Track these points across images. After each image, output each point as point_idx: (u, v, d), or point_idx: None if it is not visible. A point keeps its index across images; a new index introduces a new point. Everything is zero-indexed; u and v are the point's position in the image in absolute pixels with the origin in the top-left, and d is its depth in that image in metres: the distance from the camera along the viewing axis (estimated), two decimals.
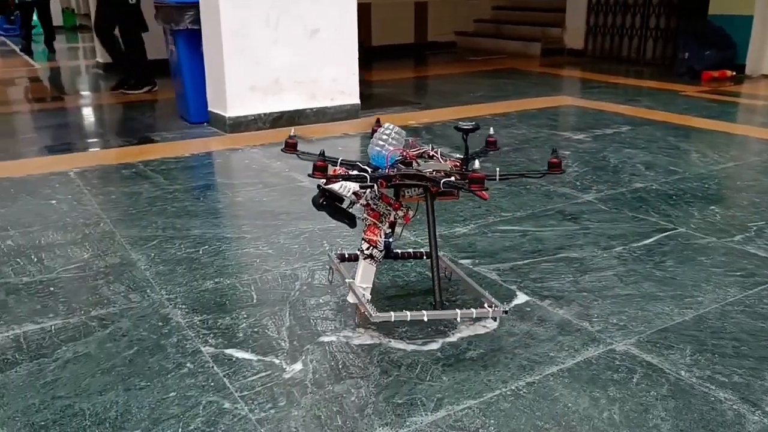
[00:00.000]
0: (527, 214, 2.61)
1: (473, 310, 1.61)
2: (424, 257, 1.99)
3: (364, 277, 1.78)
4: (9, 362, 1.61)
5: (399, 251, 1.97)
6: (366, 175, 1.67)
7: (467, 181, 1.59)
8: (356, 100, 4.51)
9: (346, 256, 1.99)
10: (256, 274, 2.10)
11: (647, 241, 2.31)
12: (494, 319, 1.73)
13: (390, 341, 1.70)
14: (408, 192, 1.76)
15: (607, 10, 7.85)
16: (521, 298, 1.92)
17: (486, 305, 1.63)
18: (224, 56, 4.00)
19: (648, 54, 7.47)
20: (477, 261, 2.17)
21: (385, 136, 1.74)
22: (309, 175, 1.65)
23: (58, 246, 2.34)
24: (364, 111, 4.56)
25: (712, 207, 2.66)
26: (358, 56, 4.47)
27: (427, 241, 1.73)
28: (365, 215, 1.77)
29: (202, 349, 1.66)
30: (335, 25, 4.29)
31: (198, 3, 4.16)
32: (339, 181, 1.75)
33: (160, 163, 3.46)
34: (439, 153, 1.80)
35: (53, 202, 2.83)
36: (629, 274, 2.05)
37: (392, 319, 1.62)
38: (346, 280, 1.79)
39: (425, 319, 1.63)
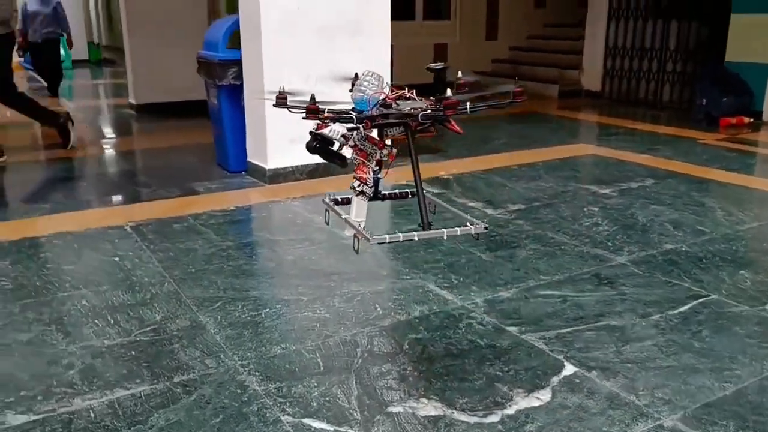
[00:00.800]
0: (565, 278, 2.77)
1: (457, 228, 1.88)
2: (409, 196, 2.24)
3: (358, 211, 2.05)
4: (109, 429, 1.77)
5: (386, 192, 2.21)
6: (352, 116, 1.93)
7: (442, 107, 1.84)
8: None
9: (339, 199, 2.20)
10: (318, 340, 2.26)
11: (682, 309, 2.46)
12: (476, 236, 1.98)
13: (453, 413, 1.84)
14: (390, 131, 2.03)
15: (624, 54, 8.07)
16: (569, 369, 2.06)
17: (468, 224, 1.89)
18: (266, 111, 4.20)
19: (665, 97, 7.67)
20: (523, 329, 2.33)
21: (366, 82, 1.99)
22: (303, 118, 1.91)
23: (130, 307, 2.51)
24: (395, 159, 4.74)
25: (742, 271, 2.80)
26: None
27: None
28: (354, 155, 2.01)
29: (282, 418, 1.82)
30: None
31: (240, 60, 4.38)
32: (328, 125, 2.00)
33: (209, 216, 3.64)
34: (414, 93, 2.08)
35: (116, 258, 3.01)
36: (669, 345, 2.19)
37: (387, 241, 1.90)
38: (342, 216, 2.04)
39: (416, 238, 1.93)
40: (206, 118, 4.99)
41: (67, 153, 5.37)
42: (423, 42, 9.36)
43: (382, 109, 1.97)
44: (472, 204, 3.80)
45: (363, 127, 1.93)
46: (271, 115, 4.21)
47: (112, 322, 2.39)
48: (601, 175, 4.62)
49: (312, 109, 1.93)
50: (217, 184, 4.38)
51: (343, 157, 2.10)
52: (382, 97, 1.98)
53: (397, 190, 2.26)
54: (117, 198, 4.17)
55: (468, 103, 1.91)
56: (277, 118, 4.24)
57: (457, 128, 1.91)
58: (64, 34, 9.01)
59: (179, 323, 2.38)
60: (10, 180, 4.68)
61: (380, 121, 1.95)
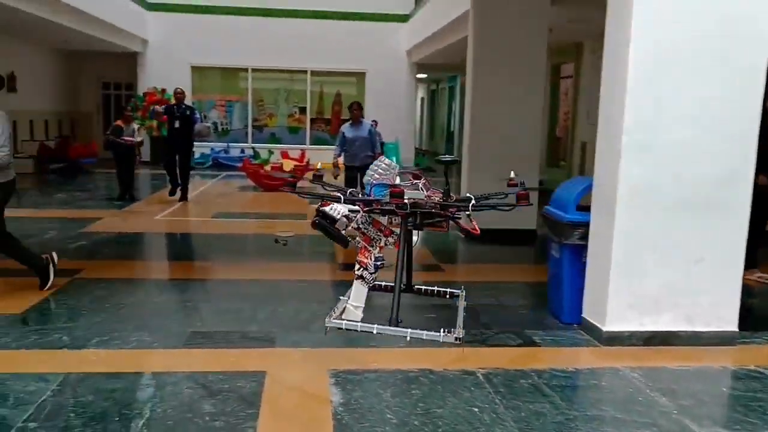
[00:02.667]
0: None
1: (423, 332, 1.73)
2: (447, 296, 2.11)
3: (355, 295, 1.98)
4: None
5: (423, 288, 2.09)
6: (340, 195, 1.89)
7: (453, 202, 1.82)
8: (734, 327, 4.51)
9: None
10: None
11: None
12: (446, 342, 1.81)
13: None
14: (395, 219, 1.96)
15: None
16: None
17: (442, 330, 1.74)
18: (610, 275, 4.40)
19: None
20: None
21: (375, 167, 1.94)
22: (279, 189, 2.04)
23: None
24: (745, 337, 4.53)
25: None
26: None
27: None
28: (358, 238, 1.95)
29: None
30: (720, 254, 4.43)
31: (588, 223, 4.69)
32: (331, 204, 1.98)
33: (551, 376, 3.90)
34: (421, 183, 1.95)
35: (476, 410, 3.42)
36: None
37: (342, 326, 1.81)
38: (341, 298, 2.00)
39: (374, 332, 1.82)
40: (524, 246, 5.27)
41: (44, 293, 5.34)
42: None
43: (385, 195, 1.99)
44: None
45: (361, 209, 1.99)
46: (615, 279, 4.39)
47: None
48: None
49: (288, 182, 2.12)
50: (552, 335, 4.65)
51: (345, 240, 2.13)
52: (389, 183, 2.01)
53: (436, 288, 2.27)
54: (460, 334, 4.67)
55: (471, 202, 1.94)
56: (619, 284, 4.42)
57: (471, 228, 1.84)
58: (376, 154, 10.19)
59: None
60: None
61: (376, 207, 2.00)
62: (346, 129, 8.71)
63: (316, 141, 17.87)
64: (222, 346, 4.25)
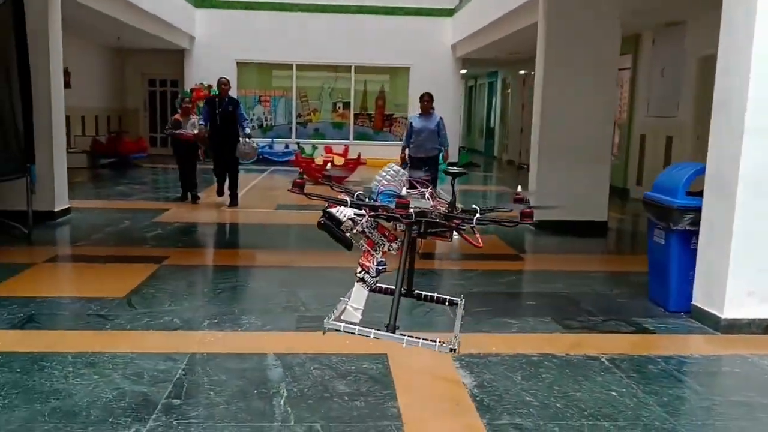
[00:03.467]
0: None
1: (419, 340, 1.72)
2: (446, 304, 2.14)
3: (355, 297, 1.96)
4: None
5: (423, 293, 2.12)
6: (347, 200, 1.86)
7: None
8: None
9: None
10: None
11: None
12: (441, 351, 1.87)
13: None
14: (400, 226, 1.97)
15: None
16: None
17: (438, 340, 1.72)
18: (730, 262, 4.27)
19: None
20: None
21: (383, 173, 1.90)
22: (288, 190, 2.01)
23: None
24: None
25: None
26: None
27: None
28: (362, 242, 1.93)
29: None
30: None
31: (700, 207, 4.56)
32: (337, 206, 1.96)
33: (679, 362, 3.81)
34: (428, 192, 1.95)
35: (614, 393, 3.33)
36: None
37: (341, 329, 1.97)
38: (341, 298, 1.99)
39: (371, 336, 1.83)
40: (596, 238, 5.13)
41: None
42: None
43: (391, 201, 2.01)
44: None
45: (366, 213, 1.99)
46: (734, 265, 4.27)
47: None
48: None
49: (297, 184, 2.11)
50: (663, 323, 4.54)
51: (349, 242, 2.11)
52: (396, 191, 2.01)
53: (436, 294, 2.30)
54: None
55: (476, 215, 1.95)
56: (740, 268, 4.29)
57: (474, 241, 1.81)
58: (443, 149, 9.78)
59: None
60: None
61: (382, 213, 1.99)
62: (414, 120, 8.62)
63: (360, 136, 17.83)
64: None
